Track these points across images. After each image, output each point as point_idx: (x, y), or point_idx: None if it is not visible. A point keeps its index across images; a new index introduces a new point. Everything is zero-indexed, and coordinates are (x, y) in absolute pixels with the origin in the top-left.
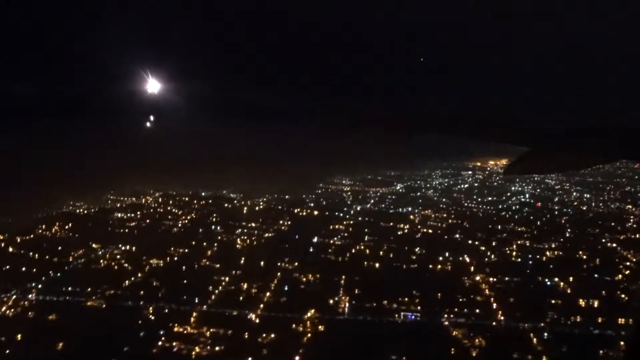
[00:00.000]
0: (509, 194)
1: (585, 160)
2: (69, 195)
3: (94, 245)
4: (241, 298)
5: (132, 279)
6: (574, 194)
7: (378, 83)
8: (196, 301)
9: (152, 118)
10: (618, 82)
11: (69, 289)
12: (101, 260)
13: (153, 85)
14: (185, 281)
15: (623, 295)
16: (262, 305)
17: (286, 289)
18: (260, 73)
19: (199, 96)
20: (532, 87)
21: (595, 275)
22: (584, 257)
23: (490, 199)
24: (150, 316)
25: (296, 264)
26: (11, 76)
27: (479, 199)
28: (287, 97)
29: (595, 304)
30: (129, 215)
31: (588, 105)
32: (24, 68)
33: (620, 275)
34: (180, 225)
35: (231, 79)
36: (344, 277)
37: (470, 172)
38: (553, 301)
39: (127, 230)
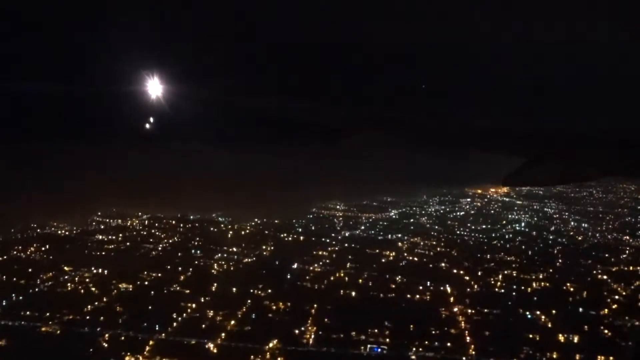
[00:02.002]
0: (504, 222)
1: (585, 173)
2: (54, 215)
3: (65, 268)
4: (204, 326)
5: (96, 303)
6: (572, 223)
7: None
8: (156, 329)
9: (149, 127)
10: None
11: (28, 313)
12: (69, 284)
13: (153, 91)
14: (150, 307)
15: (606, 331)
16: (223, 334)
17: (253, 317)
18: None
19: (194, 108)
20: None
21: (580, 309)
22: (571, 289)
23: (484, 227)
24: (104, 344)
25: (269, 291)
26: None
27: (473, 227)
28: (294, 107)
29: (575, 339)
30: (110, 237)
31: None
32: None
33: (606, 310)
34: (160, 248)
35: (230, 86)
36: (315, 305)
37: (468, 199)
38: (530, 335)
39: (104, 253)
